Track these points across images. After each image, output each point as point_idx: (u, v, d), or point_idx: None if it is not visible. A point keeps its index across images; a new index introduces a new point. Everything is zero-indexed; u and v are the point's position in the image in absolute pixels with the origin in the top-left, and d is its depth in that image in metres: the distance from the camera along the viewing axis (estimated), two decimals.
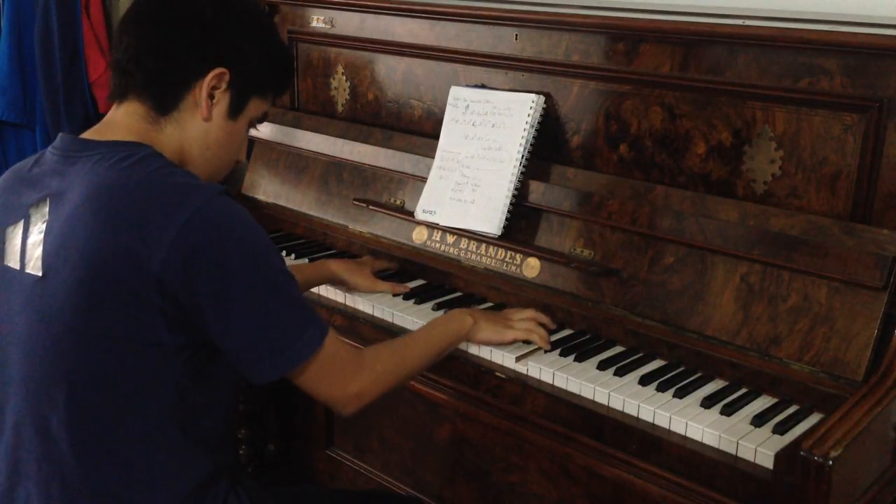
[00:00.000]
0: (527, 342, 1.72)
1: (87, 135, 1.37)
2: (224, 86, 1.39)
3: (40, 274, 1.28)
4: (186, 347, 1.28)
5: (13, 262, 1.33)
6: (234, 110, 1.42)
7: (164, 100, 1.37)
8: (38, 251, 1.28)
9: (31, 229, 1.31)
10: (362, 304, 1.96)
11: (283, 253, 2.25)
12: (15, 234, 1.33)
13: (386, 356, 1.48)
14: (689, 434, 1.48)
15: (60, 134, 1.39)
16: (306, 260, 2.20)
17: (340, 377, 1.38)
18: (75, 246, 1.25)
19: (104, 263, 1.23)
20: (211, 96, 1.38)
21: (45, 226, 1.29)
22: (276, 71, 1.48)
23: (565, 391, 1.63)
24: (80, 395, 1.27)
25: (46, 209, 1.30)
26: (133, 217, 1.24)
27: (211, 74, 1.37)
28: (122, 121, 1.37)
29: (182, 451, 1.34)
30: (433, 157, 2.06)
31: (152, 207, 1.24)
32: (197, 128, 1.39)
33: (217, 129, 1.41)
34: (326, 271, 1.98)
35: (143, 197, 1.25)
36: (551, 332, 1.79)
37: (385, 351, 1.50)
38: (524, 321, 1.73)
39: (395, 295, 1.97)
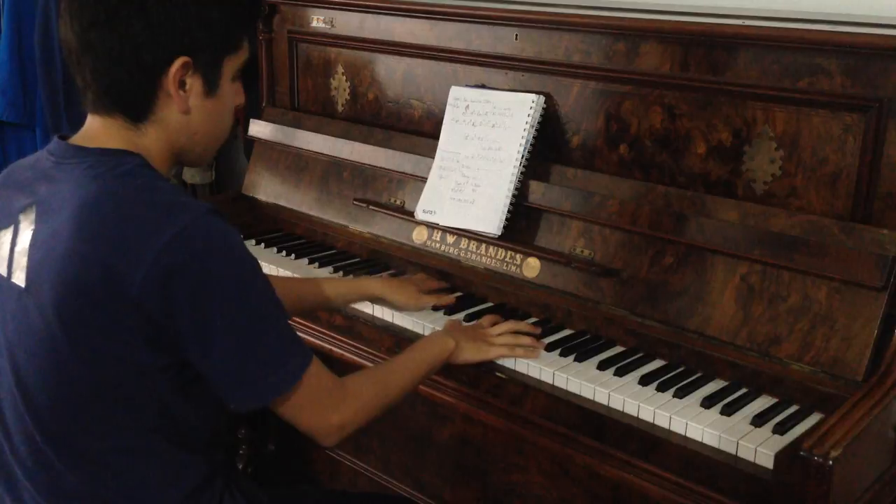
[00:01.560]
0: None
1: (77, 139, 1.32)
2: (191, 70, 1.29)
3: (23, 285, 1.25)
4: (170, 367, 1.25)
5: (2, 268, 1.31)
6: (211, 85, 1.33)
7: (136, 109, 1.30)
8: (24, 261, 1.26)
9: (19, 237, 1.29)
10: (361, 304, 1.95)
11: (283, 253, 2.26)
12: (5, 240, 1.31)
13: (369, 385, 1.43)
14: (690, 434, 1.48)
15: (55, 138, 1.35)
16: (305, 260, 2.20)
17: (322, 408, 1.33)
18: (56, 260, 1.21)
19: (83, 282, 1.19)
20: (181, 85, 1.29)
21: (31, 234, 1.27)
22: (237, 19, 1.35)
23: (565, 391, 1.63)
24: (63, 407, 1.25)
25: (33, 216, 1.28)
26: (113, 236, 1.19)
27: (173, 68, 1.27)
28: (103, 131, 1.31)
29: (172, 459, 1.32)
30: (433, 157, 2.06)
31: (134, 226, 1.20)
32: (178, 121, 1.32)
33: (198, 111, 1.33)
34: (367, 289, 1.92)
35: (124, 215, 1.21)
36: (551, 333, 1.80)
37: (368, 380, 1.46)
38: (503, 336, 1.71)
39: (437, 308, 1.91)
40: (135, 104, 1.30)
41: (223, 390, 1.27)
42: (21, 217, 1.30)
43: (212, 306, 1.21)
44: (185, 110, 1.32)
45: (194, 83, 1.31)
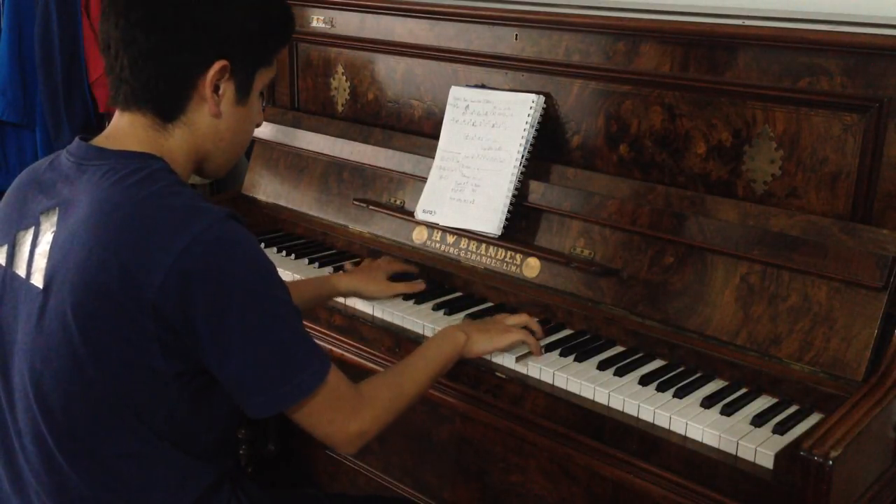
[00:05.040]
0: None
1: (99, 141, 1.33)
2: (227, 75, 1.31)
3: (41, 287, 1.26)
4: (183, 374, 1.25)
5: (21, 269, 1.31)
6: (243, 93, 1.35)
7: (168, 107, 1.31)
8: (43, 262, 1.26)
9: (39, 238, 1.29)
10: (361, 304, 1.95)
11: (283, 253, 2.26)
12: (25, 241, 1.31)
13: (384, 390, 1.43)
14: (689, 434, 1.48)
15: (76, 139, 1.35)
16: (305, 260, 2.20)
17: (341, 416, 1.33)
18: (74, 264, 1.22)
19: (101, 285, 1.19)
20: (216, 89, 1.32)
21: (52, 236, 1.27)
22: (276, 33, 1.39)
23: (565, 391, 1.63)
24: (74, 411, 1.25)
25: (55, 218, 1.28)
26: (132, 239, 1.20)
27: (212, 71, 1.29)
28: (129, 130, 1.32)
29: (181, 466, 1.32)
30: (433, 157, 2.06)
31: (152, 230, 1.20)
32: (207, 125, 1.34)
33: (228, 117, 1.35)
34: (335, 288, 1.93)
35: (144, 219, 1.21)
36: (551, 333, 1.79)
37: (383, 384, 1.45)
38: (518, 325, 1.71)
39: (408, 296, 1.94)
40: (168, 102, 1.31)
41: (240, 397, 1.27)
42: (42, 218, 1.30)
43: (230, 311, 1.20)
44: (217, 114, 1.33)
45: (227, 89, 1.33)
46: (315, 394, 1.28)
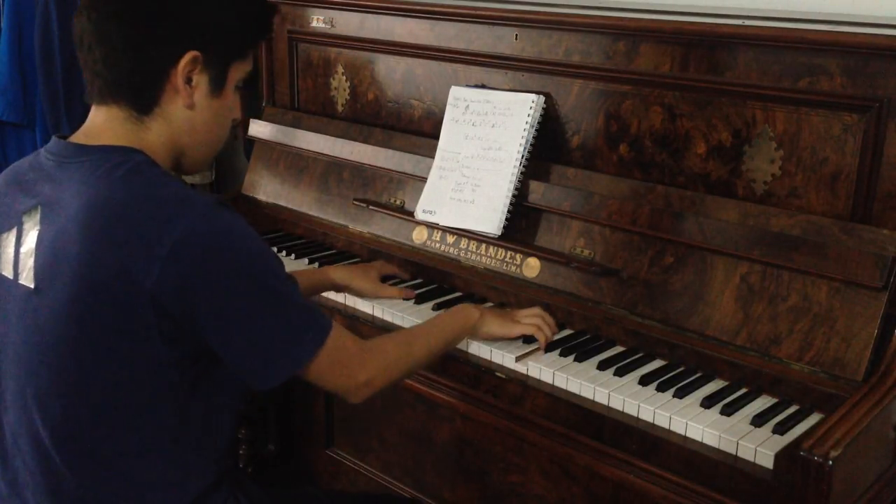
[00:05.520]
0: (527, 342, 1.72)
1: (77, 138, 1.33)
2: (199, 66, 1.32)
3: (33, 286, 1.26)
4: (182, 361, 1.26)
5: (7, 271, 1.31)
6: (216, 86, 1.36)
7: (142, 100, 1.32)
8: (31, 262, 1.26)
9: (23, 238, 1.29)
10: (362, 304, 1.96)
11: (283, 253, 2.26)
12: (9, 242, 1.31)
13: (393, 345, 1.48)
14: (689, 434, 1.48)
15: (54, 137, 1.35)
16: (306, 260, 2.20)
17: (349, 367, 1.37)
18: (67, 260, 1.22)
19: (97, 280, 1.20)
20: (188, 81, 1.32)
21: (37, 235, 1.27)
22: (251, 26, 1.40)
23: (565, 391, 1.63)
24: (74, 409, 1.26)
25: (38, 217, 1.28)
26: (126, 232, 1.20)
27: (183, 61, 1.30)
28: (106, 125, 1.32)
29: (180, 463, 1.32)
30: (433, 157, 2.06)
31: (145, 222, 1.21)
32: (182, 117, 1.34)
33: (202, 110, 1.35)
34: (328, 279, 1.95)
35: (136, 212, 1.22)
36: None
37: (392, 341, 1.50)
38: (533, 317, 1.73)
39: (404, 299, 1.95)
40: (142, 95, 1.32)
41: (248, 372, 1.29)
42: (24, 218, 1.30)
43: (229, 297, 1.23)
44: (190, 105, 1.34)
45: (201, 81, 1.34)
46: (321, 352, 1.31)
